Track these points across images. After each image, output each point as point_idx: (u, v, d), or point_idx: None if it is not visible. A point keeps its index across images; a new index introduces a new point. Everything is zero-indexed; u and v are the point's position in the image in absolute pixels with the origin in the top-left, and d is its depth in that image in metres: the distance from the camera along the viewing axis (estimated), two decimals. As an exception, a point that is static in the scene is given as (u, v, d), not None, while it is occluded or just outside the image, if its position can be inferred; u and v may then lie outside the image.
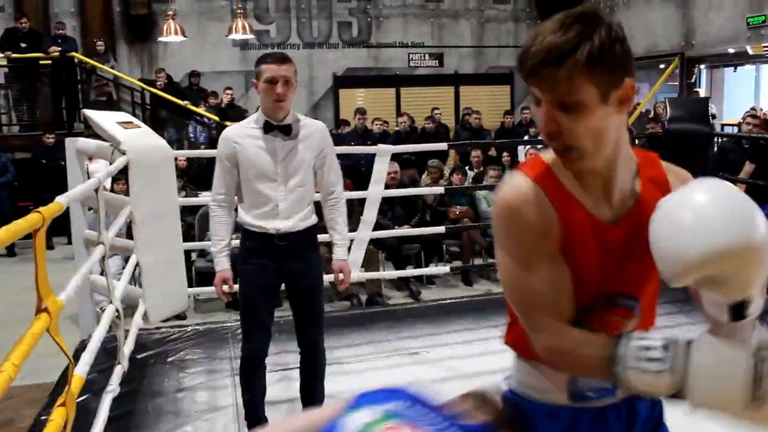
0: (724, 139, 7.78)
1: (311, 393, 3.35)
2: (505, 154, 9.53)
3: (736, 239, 1.13)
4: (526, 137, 10.19)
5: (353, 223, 5.04)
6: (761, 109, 10.50)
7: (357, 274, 5.10)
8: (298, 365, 3.39)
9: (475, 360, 4.28)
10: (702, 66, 14.41)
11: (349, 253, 3.44)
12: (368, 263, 5.94)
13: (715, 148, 7.01)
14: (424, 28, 13.91)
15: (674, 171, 1.44)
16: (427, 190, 6.54)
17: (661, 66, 13.30)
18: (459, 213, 7.03)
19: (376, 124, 9.81)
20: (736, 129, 10.01)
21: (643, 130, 10.03)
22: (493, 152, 9.63)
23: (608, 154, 1.30)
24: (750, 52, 11.72)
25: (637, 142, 8.92)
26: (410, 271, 6.28)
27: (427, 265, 6.69)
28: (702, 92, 13.62)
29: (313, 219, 3.14)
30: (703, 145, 5.65)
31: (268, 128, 2.99)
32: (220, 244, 3.08)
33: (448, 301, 5.61)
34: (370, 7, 13.57)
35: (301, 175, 3.03)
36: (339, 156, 7.96)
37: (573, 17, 1.29)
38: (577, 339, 1.31)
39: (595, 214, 1.33)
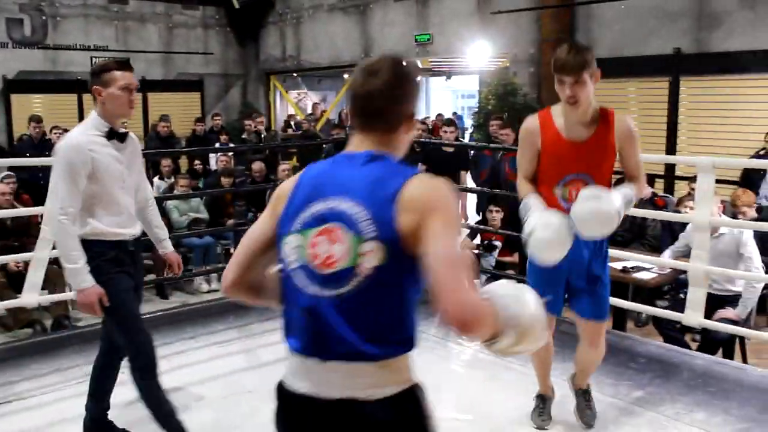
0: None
1: None
2: (197, 161, 9.43)
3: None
4: (217, 144, 10.17)
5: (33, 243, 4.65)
6: (429, 117, 11.63)
7: (38, 298, 4.70)
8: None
9: (172, 375, 4.18)
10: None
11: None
12: (52, 284, 5.50)
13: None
14: (107, 30, 13.21)
15: (620, 118, 3.01)
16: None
17: (345, 76, 14.15)
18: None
19: (55, 133, 9.09)
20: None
21: (329, 136, 10.58)
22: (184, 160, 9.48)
23: (587, 105, 2.90)
24: (420, 65, 12.98)
25: (325, 147, 9.41)
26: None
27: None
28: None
29: None
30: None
31: (110, 136, 2.96)
32: (83, 259, 2.90)
33: (142, 317, 5.39)
34: (44, 5, 12.52)
35: (136, 181, 3.13)
36: (13, 169, 7.28)
37: (577, 47, 2.90)
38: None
39: (565, 136, 2.97)
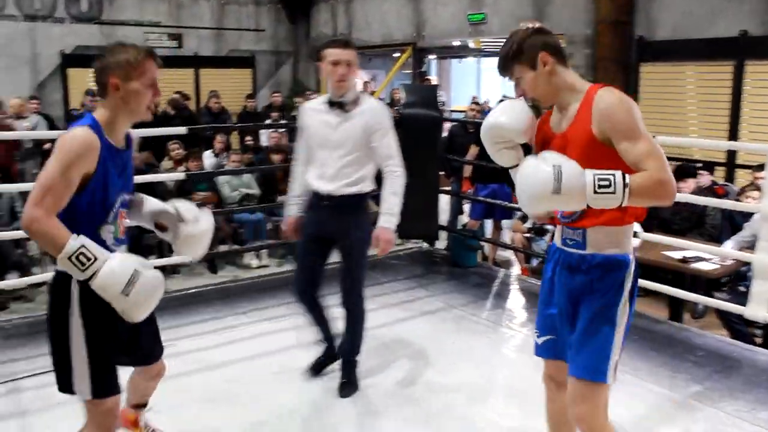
0: (452, 125, 8.38)
1: (347, 342, 3.69)
2: (248, 138, 9.48)
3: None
4: (268, 121, 10.19)
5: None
6: (481, 99, 11.46)
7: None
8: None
9: (223, 349, 4.21)
10: (432, 56, 15.44)
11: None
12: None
13: (445, 133, 7.53)
14: (161, 6, 13.31)
15: (600, 97, 2.18)
16: (166, 176, 6.26)
17: (396, 55, 14.02)
18: (202, 198, 6.84)
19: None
20: (462, 115, 10.88)
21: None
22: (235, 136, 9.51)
23: (543, 96, 2.31)
24: (471, 45, 12.79)
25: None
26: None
27: (170, 254, 6.43)
28: (433, 80, 14.60)
29: (361, 187, 3.47)
30: (434, 128, 6.02)
31: (330, 105, 3.43)
32: (291, 194, 3.71)
33: (193, 290, 5.44)
34: (101, -19, 12.67)
35: (349, 146, 3.40)
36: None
37: (512, 34, 2.30)
38: None
39: (552, 128, 2.35)
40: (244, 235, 7.16)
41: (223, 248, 6.87)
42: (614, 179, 2.02)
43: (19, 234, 5.60)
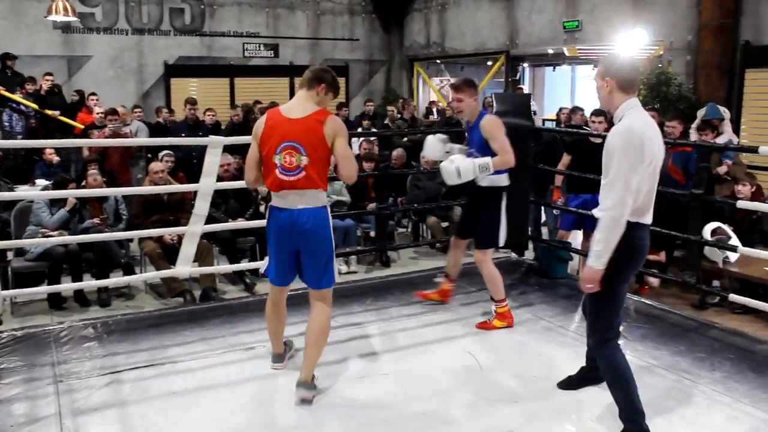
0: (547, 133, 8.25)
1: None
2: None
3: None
4: (359, 129, 10.33)
5: (187, 218, 4.85)
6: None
7: (189, 269, 4.96)
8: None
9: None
10: (525, 64, 15.27)
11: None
12: (202, 257, 5.79)
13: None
14: (259, 18, 13.72)
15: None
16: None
17: (489, 63, 13.96)
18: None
19: (208, 115, 9.55)
20: (554, 124, 10.70)
21: (471, 124, 10.45)
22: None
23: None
24: (566, 53, 12.56)
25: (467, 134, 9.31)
26: (245, 265, 6.17)
27: (261, 258, 6.60)
28: (525, 89, 14.43)
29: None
30: (525, 138, 5.94)
31: None
32: None
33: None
34: (203, -6, 13.21)
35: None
36: (170, 147, 7.67)
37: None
38: None
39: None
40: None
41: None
42: None
43: (124, 235, 5.92)
